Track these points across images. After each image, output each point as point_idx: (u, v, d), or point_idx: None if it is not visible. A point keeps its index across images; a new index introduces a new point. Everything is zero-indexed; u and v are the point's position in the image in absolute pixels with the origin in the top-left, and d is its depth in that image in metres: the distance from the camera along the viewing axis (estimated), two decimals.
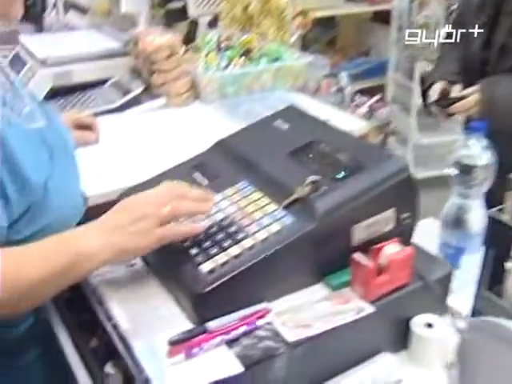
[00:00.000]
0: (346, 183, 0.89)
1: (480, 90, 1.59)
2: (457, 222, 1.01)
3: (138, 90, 1.63)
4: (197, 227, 0.87)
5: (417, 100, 3.23)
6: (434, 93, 1.67)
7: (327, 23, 3.67)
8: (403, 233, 0.95)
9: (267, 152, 1.01)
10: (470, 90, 1.61)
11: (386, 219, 0.92)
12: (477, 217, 1.00)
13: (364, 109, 1.58)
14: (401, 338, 0.92)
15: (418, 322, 0.89)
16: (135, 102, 1.64)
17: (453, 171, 1.00)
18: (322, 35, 3.79)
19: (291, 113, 1.13)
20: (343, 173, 0.91)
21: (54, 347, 0.98)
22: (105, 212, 1.10)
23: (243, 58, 1.76)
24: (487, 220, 0.92)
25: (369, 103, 1.57)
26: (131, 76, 1.71)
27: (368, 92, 3.09)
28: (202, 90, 1.68)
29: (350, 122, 1.57)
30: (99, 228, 0.83)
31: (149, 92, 1.69)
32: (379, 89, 3.60)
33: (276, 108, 1.61)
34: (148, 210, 0.84)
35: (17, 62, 1.79)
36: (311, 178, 0.88)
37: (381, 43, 3.73)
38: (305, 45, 3.00)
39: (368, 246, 0.90)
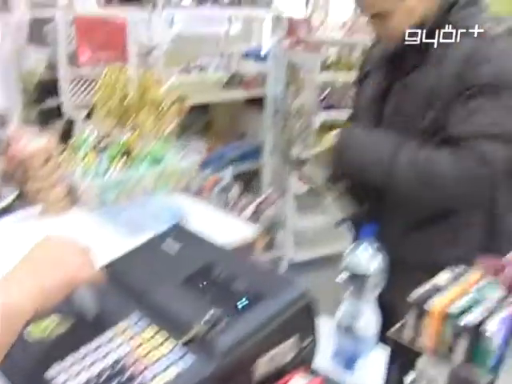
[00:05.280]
0: (248, 314, 0.85)
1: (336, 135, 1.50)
2: (349, 328, 1.00)
3: (10, 197, 1.50)
4: None
5: (293, 184, 3.33)
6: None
7: (200, 109, 3.66)
8: (305, 358, 0.93)
9: (159, 279, 0.95)
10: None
11: (289, 348, 0.88)
12: (369, 322, 1.00)
13: (250, 211, 1.57)
14: None
15: None
16: (7, 210, 1.51)
17: (343, 278, 0.99)
18: (197, 121, 3.80)
19: (179, 232, 1.08)
20: (244, 301, 0.87)
21: None
22: None
23: (124, 157, 1.69)
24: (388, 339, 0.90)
25: (255, 204, 1.56)
26: (2, 180, 1.57)
27: (245, 176, 3.11)
28: (81, 197, 1.59)
29: (238, 229, 1.54)
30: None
31: (23, 199, 1.57)
32: (256, 172, 3.66)
33: (158, 216, 1.56)
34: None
35: None
36: (210, 312, 0.83)
37: (255, 127, 3.80)
38: (179, 131, 2.96)
39: (270, 380, 0.86)
